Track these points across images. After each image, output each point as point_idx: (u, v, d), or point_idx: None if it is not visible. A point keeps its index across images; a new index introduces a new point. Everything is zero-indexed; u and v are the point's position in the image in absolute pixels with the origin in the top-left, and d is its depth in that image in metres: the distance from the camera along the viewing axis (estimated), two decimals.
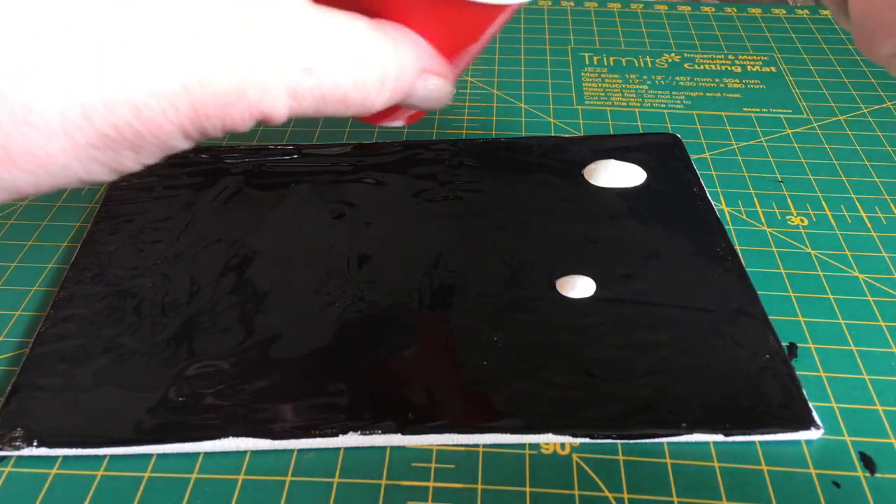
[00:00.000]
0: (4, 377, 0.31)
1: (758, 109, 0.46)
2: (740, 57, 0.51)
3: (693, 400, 0.29)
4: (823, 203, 0.39)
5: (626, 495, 0.27)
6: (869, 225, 0.37)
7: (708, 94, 0.47)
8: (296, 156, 0.41)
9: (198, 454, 0.28)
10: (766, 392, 0.29)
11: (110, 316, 0.32)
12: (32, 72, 0.18)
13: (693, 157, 0.41)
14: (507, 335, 0.31)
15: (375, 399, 0.29)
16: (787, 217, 0.38)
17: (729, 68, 0.50)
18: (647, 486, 0.27)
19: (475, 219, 0.37)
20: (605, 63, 0.50)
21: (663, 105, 0.46)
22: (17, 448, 0.28)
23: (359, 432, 0.28)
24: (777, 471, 0.27)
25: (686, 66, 0.50)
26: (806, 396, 0.29)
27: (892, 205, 0.39)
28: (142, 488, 0.27)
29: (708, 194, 0.38)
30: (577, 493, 0.27)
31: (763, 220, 0.38)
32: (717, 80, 0.48)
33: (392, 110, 0.26)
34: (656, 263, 0.34)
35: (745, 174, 0.41)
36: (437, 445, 0.28)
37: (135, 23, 0.18)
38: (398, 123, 0.28)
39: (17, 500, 0.27)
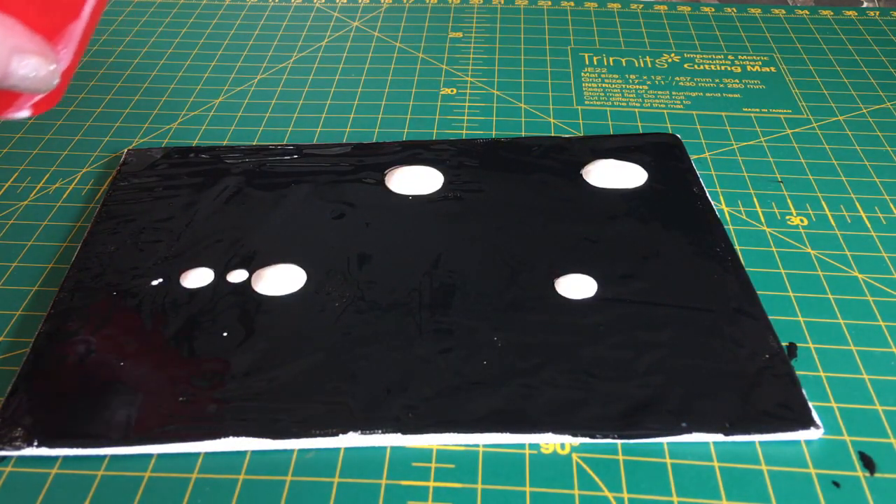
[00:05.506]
0: (4, 377, 0.31)
1: (757, 109, 0.46)
2: (740, 57, 0.51)
3: (693, 400, 0.29)
4: (823, 203, 0.39)
5: (625, 495, 0.27)
6: (868, 225, 0.37)
7: (708, 95, 0.47)
8: (296, 156, 0.41)
9: (198, 454, 0.28)
10: (765, 392, 0.29)
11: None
12: None
13: (693, 157, 0.42)
14: (507, 335, 0.31)
15: (375, 399, 0.29)
16: (787, 217, 0.38)
17: (729, 68, 0.50)
18: (647, 485, 0.27)
19: (475, 219, 0.37)
20: (605, 63, 0.50)
21: (663, 105, 0.46)
22: (18, 448, 0.28)
23: (359, 432, 0.28)
24: (777, 471, 0.27)
25: (686, 66, 0.50)
26: (806, 396, 0.29)
27: (891, 205, 0.39)
28: (142, 488, 0.27)
29: (708, 194, 0.38)
30: (576, 492, 0.27)
31: (763, 220, 0.38)
32: (716, 80, 0.49)
33: (10, 98, 0.25)
34: (656, 263, 0.35)
35: (745, 174, 0.41)
36: (437, 445, 0.28)
37: None
38: (24, 114, 0.26)
39: (17, 500, 0.27)
